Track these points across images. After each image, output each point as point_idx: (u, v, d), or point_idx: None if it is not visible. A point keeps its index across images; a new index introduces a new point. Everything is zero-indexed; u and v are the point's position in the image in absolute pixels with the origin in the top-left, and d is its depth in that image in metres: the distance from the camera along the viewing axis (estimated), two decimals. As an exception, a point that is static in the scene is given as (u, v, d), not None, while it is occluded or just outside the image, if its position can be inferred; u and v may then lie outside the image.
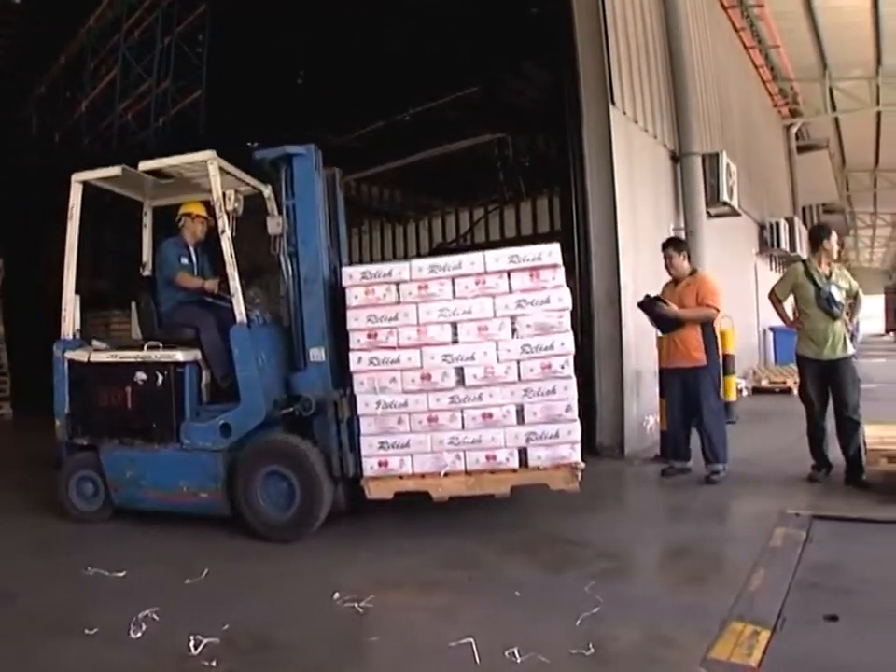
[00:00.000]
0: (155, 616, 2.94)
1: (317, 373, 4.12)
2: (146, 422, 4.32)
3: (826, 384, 4.89)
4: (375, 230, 17.64)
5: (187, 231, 4.81)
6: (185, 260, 4.71)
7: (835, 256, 5.02)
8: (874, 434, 4.78)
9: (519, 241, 9.94)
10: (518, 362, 3.91)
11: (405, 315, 3.97)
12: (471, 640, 2.61)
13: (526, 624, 2.82)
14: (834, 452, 4.91)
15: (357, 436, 4.03)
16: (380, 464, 4.00)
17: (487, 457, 3.93)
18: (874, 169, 21.81)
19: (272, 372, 4.20)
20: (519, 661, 2.50)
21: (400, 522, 4.20)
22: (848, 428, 4.76)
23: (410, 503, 4.06)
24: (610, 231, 6.27)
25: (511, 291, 3.93)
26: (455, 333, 3.95)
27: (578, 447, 3.95)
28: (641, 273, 6.37)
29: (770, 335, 13.35)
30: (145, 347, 4.42)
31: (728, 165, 8.81)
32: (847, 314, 4.94)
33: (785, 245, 13.54)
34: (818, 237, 5.03)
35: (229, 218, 4.27)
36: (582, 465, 3.96)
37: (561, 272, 3.98)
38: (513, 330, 3.92)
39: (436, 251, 12.93)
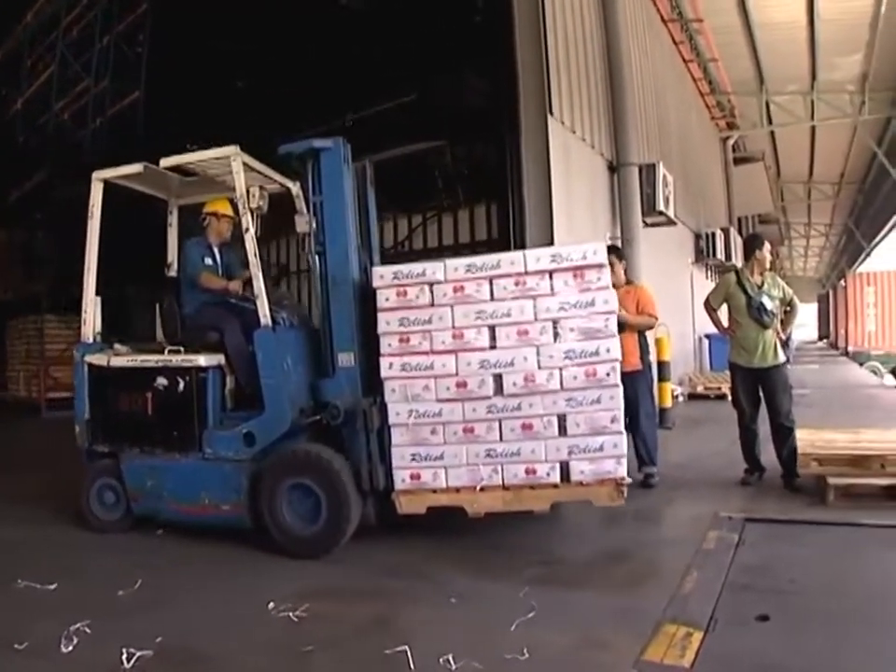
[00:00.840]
0: (87, 629, 2.88)
1: (346, 380, 3.91)
2: (167, 429, 4.16)
3: (758, 390, 5.04)
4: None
5: (211, 231, 4.68)
6: (208, 261, 4.58)
7: (768, 265, 5.15)
8: (805, 438, 4.95)
9: (457, 248, 10.02)
10: (560, 369, 3.65)
11: (439, 319, 3.74)
12: (406, 648, 2.61)
13: (462, 631, 2.83)
14: (767, 455, 5.04)
15: (388, 447, 3.82)
16: (412, 477, 3.78)
17: (527, 471, 3.68)
18: (808, 181, 22.85)
19: (298, 378, 4.00)
20: (454, 667, 2.51)
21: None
22: (782, 434, 4.91)
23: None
24: (547, 239, 6.39)
25: (553, 293, 3.67)
26: (492, 338, 3.71)
27: (624, 461, 3.70)
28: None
29: (706, 342, 13.80)
30: (166, 351, 4.26)
31: (665, 176, 9.02)
32: (783, 321, 5.11)
33: (721, 254, 14.15)
34: (751, 247, 5.16)
35: (253, 217, 4.09)
36: (629, 480, 3.71)
37: (607, 272, 3.75)
38: (556, 335, 3.66)
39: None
